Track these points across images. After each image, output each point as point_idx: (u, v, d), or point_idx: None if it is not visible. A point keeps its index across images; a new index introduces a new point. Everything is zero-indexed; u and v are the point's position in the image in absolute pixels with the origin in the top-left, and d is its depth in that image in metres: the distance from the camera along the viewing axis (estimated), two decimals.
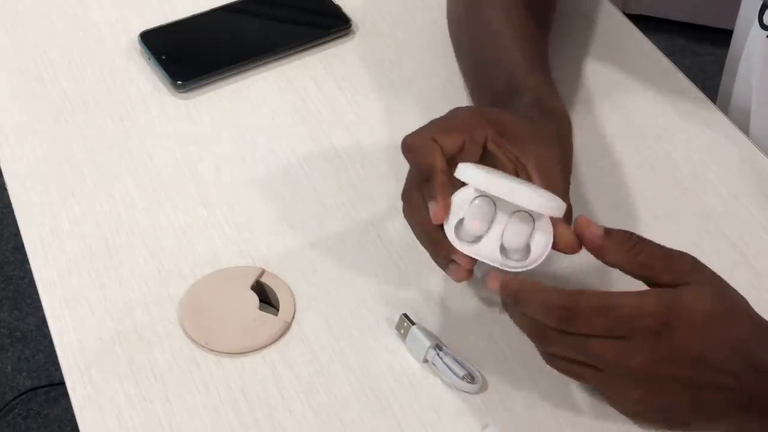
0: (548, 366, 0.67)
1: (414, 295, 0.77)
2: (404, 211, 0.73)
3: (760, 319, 0.65)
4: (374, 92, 0.93)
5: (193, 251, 0.80)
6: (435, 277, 0.78)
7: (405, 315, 0.74)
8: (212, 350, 0.74)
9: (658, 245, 0.65)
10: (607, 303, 0.62)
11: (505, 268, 0.67)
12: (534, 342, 0.66)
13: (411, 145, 0.70)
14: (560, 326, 0.63)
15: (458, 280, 0.70)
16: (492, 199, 0.68)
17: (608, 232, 0.65)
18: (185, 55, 0.96)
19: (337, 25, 0.99)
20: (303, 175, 0.86)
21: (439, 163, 0.69)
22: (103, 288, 0.78)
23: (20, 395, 1.72)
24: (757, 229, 0.81)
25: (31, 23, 1.01)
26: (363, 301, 0.77)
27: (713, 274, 0.65)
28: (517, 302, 0.64)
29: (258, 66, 0.96)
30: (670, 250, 0.65)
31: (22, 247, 0.81)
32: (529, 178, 0.71)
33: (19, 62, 0.97)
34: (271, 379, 0.72)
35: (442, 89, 0.92)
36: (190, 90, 0.93)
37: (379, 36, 0.99)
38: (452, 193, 0.68)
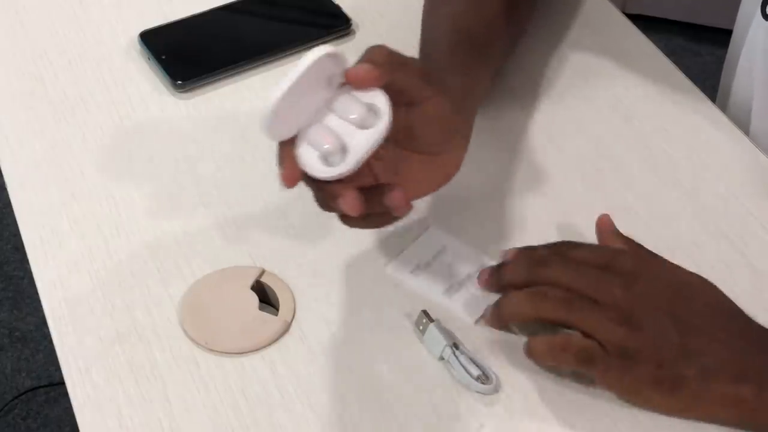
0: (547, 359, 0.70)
1: (414, 294, 0.77)
2: None
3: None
4: None
5: (193, 251, 0.80)
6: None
7: (425, 312, 0.74)
8: (212, 350, 0.74)
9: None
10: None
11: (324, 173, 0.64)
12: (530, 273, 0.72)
13: None
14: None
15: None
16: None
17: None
18: (185, 55, 0.96)
19: (337, 25, 0.99)
20: None
21: None
22: (103, 288, 0.78)
23: (20, 395, 1.72)
24: (757, 229, 0.81)
25: (31, 23, 1.01)
26: (363, 301, 0.77)
27: None
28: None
29: (258, 66, 0.96)
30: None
31: (22, 247, 0.81)
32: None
33: (19, 62, 0.97)
34: (271, 379, 0.72)
35: None
36: (190, 90, 0.93)
37: (379, 36, 0.99)
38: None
